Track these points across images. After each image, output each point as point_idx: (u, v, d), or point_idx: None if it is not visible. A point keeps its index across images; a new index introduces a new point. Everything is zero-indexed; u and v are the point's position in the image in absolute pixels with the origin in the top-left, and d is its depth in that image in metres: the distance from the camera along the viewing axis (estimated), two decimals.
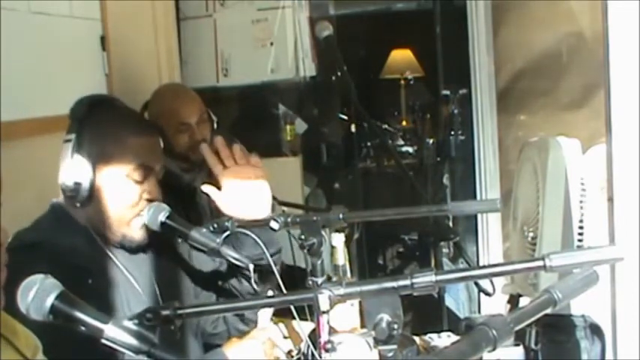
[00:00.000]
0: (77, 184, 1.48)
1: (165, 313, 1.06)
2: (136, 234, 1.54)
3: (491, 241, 3.33)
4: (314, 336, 1.52)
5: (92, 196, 1.49)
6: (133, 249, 1.57)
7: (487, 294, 2.07)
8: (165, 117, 2.40)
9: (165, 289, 1.62)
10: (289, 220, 1.53)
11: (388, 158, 4.37)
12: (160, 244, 1.65)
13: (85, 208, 1.51)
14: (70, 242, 1.48)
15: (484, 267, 2.53)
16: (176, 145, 2.41)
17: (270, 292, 1.63)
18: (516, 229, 1.90)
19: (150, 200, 1.54)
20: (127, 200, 1.52)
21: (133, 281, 1.55)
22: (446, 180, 4.00)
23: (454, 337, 1.85)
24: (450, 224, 2.44)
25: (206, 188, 1.69)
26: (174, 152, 2.42)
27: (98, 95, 1.59)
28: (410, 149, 4.66)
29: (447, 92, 3.85)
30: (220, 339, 1.75)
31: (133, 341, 1.02)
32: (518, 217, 1.89)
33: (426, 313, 2.49)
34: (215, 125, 2.49)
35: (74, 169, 1.48)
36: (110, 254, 1.54)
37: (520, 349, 1.72)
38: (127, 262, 1.56)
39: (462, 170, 3.90)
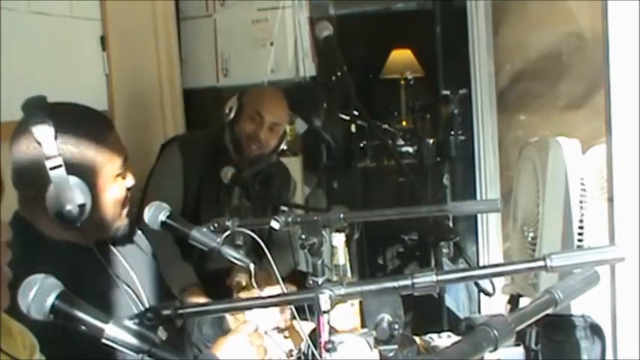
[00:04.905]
0: (81, 206, 1.41)
1: (165, 312, 1.06)
2: (125, 222, 1.54)
3: (491, 241, 3.32)
4: (314, 336, 1.52)
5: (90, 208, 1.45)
6: (121, 239, 1.58)
7: (487, 294, 2.07)
8: (248, 100, 2.56)
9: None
10: (290, 219, 1.53)
11: (388, 158, 4.36)
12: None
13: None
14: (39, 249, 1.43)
15: (484, 267, 2.53)
16: (240, 128, 2.53)
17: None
18: (516, 229, 1.90)
19: (129, 189, 1.52)
20: (119, 197, 1.50)
21: (128, 269, 1.56)
22: (446, 180, 4.00)
23: (454, 338, 1.85)
24: (450, 224, 2.44)
25: None
26: (232, 136, 2.54)
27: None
28: (410, 149, 4.65)
29: (447, 92, 3.84)
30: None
31: (133, 341, 1.02)
32: (518, 217, 1.89)
33: (426, 313, 2.48)
34: (282, 146, 2.60)
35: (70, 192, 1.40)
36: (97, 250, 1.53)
37: (520, 349, 1.72)
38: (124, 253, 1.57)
39: (462, 170, 3.90)
